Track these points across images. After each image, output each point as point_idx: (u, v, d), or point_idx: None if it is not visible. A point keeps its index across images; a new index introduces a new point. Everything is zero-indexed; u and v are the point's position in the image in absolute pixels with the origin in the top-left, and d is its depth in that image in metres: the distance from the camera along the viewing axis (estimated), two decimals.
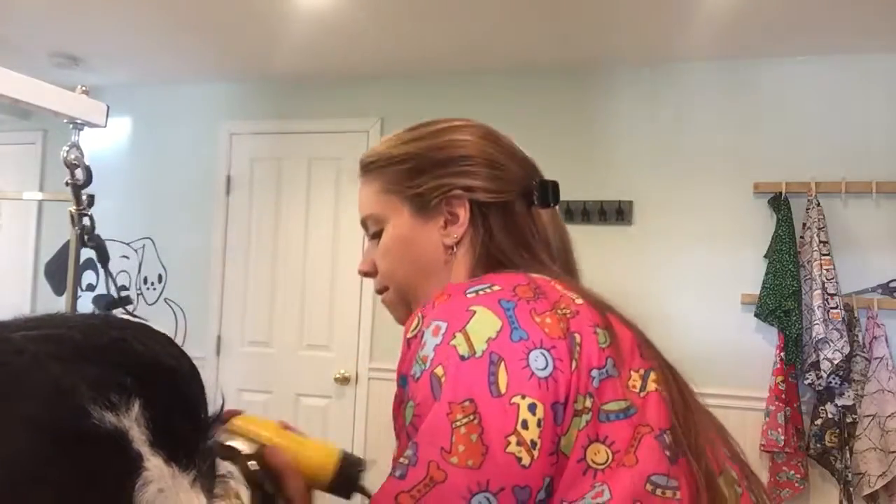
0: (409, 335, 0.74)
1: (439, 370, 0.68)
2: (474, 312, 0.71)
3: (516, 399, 0.66)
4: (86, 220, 1.43)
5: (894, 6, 2.53)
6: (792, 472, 2.81)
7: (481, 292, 0.74)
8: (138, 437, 0.57)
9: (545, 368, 0.68)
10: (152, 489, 0.57)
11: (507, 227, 0.86)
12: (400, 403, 0.74)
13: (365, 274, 0.94)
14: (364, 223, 0.93)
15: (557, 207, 0.94)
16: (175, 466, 0.60)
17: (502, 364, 0.67)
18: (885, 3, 2.51)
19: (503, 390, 0.66)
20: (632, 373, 0.73)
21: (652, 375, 0.74)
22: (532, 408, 0.66)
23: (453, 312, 0.72)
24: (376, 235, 0.91)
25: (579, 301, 0.76)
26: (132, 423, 0.57)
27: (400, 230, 0.88)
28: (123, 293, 3.67)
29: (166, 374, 0.65)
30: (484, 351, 0.68)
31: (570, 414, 0.67)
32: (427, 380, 0.68)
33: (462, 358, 0.68)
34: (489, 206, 0.85)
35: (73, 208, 1.41)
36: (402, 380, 0.73)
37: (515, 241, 0.85)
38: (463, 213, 0.85)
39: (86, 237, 1.43)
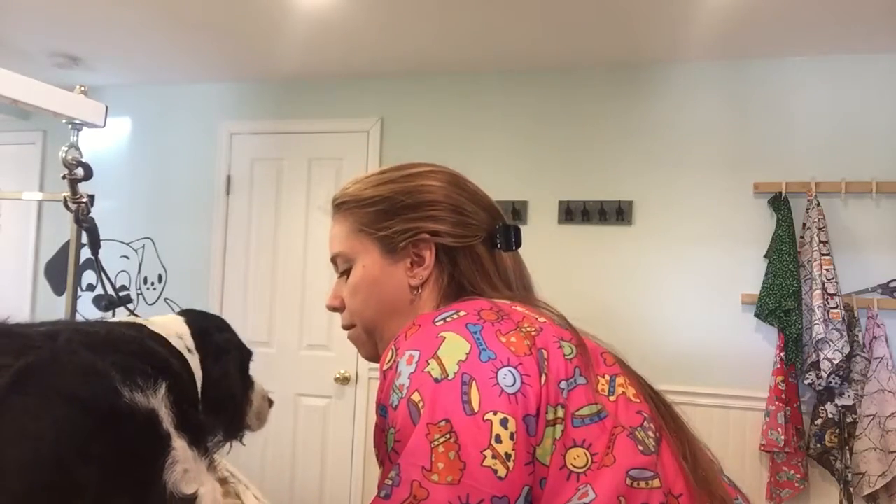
0: (384, 367, 0.78)
1: (416, 396, 0.72)
2: (444, 338, 0.75)
3: (489, 416, 0.70)
4: (82, 204, 1.43)
5: (894, 6, 2.53)
6: (792, 472, 2.81)
7: (449, 319, 0.79)
8: (166, 418, 0.59)
9: (513, 385, 0.72)
10: (179, 469, 0.59)
11: (470, 269, 0.91)
12: (381, 432, 0.77)
13: (333, 309, 0.98)
14: (334, 260, 0.97)
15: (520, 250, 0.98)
16: (196, 451, 0.62)
17: (473, 384, 0.72)
18: (886, 3, 2.51)
19: (476, 408, 0.70)
20: (599, 378, 0.78)
21: (619, 380, 0.79)
22: (504, 422, 0.70)
23: (424, 341, 0.76)
24: (345, 273, 0.95)
25: (542, 319, 0.81)
26: (160, 404, 0.59)
27: (369, 270, 0.92)
28: (122, 293, 3.68)
29: (175, 374, 0.68)
30: (456, 373, 0.72)
31: (542, 424, 0.72)
32: (405, 406, 0.72)
33: (436, 381, 0.72)
34: (454, 250, 0.90)
35: (67, 194, 1.42)
36: (382, 409, 0.76)
37: (478, 278, 0.91)
38: (429, 256, 0.90)
39: (80, 216, 1.43)
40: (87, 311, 3.84)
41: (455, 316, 0.79)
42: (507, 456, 0.69)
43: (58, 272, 3.97)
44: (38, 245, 4.05)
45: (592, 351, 0.80)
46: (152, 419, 0.59)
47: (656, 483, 0.71)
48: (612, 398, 0.77)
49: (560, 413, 0.72)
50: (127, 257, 3.85)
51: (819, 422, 2.78)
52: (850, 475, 2.74)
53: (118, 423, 0.56)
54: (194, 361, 0.84)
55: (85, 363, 0.59)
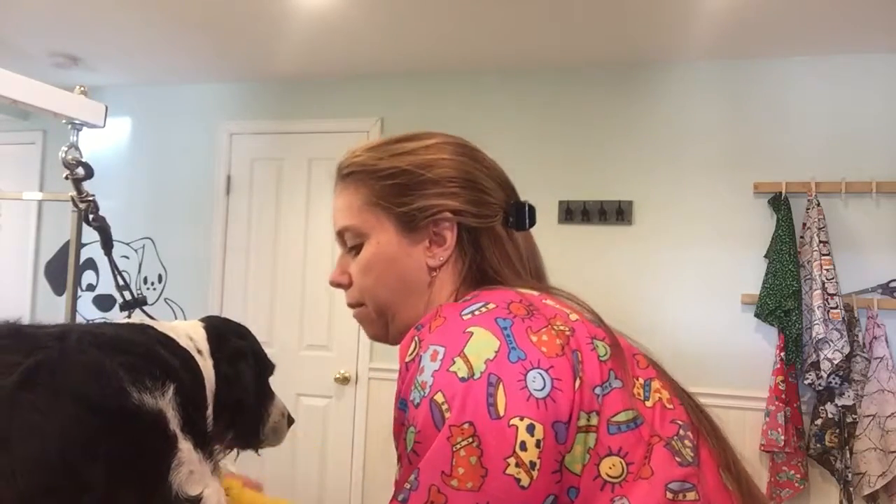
0: (406, 359, 0.73)
1: (439, 397, 0.68)
2: (472, 334, 0.70)
3: (514, 421, 0.66)
4: (89, 202, 1.43)
5: (894, 6, 2.53)
6: (792, 472, 2.81)
7: (477, 312, 0.73)
8: (173, 419, 0.60)
9: (543, 389, 0.67)
10: (184, 471, 0.59)
11: (492, 252, 0.86)
12: (400, 425, 0.73)
13: (338, 285, 0.93)
14: (340, 234, 0.92)
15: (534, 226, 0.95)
16: (201, 453, 0.63)
17: (500, 385, 0.67)
18: (885, 3, 2.51)
19: (502, 412, 0.66)
20: (635, 381, 0.74)
21: (654, 384, 0.75)
22: (530, 429, 0.66)
23: (450, 336, 0.71)
24: (353, 248, 0.90)
25: (573, 317, 0.77)
26: (167, 406, 0.60)
27: (384, 247, 0.86)
28: (138, 294, 3.68)
29: (179, 375, 0.69)
30: (483, 372, 0.68)
31: (573, 431, 0.68)
32: (427, 406, 0.68)
33: (462, 380, 0.67)
34: (476, 231, 0.86)
35: (73, 194, 1.41)
36: (402, 403, 0.72)
37: (501, 263, 0.86)
38: (450, 236, 0.85)
39: (90, 216, 1.42)
40: (88, 311, 3.84)
41: (484, 309, 0.73)
42: (532, 464, 0.65)
43: (58, 272, 3.97)
44: (38, 245, 4.05)
45: (626, 351, 0.76)
46: (160, 420, 0.60)
47: (694, 496, 0.68)
48: (648, 404, 0.72)
49: (594, 420, 0.68)
50: (127, 257, 3.84)
51: (819, 422, 2.78)
52: (850, 475, 2.74)
53: (126, 423, 0.57)
54: (205, 363, 0.83)
55: (93, 363, 0.59)
